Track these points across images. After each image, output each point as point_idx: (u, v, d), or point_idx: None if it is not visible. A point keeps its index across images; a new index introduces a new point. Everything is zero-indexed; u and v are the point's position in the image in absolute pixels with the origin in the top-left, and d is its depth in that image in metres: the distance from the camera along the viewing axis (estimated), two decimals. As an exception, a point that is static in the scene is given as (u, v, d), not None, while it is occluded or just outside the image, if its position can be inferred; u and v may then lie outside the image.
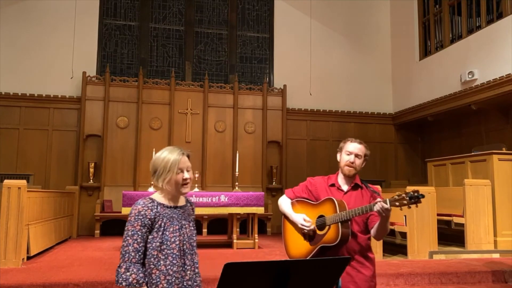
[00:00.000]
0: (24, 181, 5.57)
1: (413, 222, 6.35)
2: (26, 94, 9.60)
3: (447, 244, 6.95)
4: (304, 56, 10.99)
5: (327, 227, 2.53)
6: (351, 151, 2.65)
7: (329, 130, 11.09)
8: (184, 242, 2.06)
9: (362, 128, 11.29)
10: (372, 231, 2.57)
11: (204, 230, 9.33)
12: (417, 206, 2.35)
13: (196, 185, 7.77)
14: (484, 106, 8.67)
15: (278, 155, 10.63)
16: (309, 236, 2.61)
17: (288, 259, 2.64)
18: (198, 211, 7.01)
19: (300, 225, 2.61)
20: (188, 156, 2.15)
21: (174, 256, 2.00)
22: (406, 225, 6.39)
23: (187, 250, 2.07)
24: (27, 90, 9.61)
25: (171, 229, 2.03)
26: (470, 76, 8.56)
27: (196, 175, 7.76)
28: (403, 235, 6.97)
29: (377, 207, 2.36)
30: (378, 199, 2.43)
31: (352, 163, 2.64)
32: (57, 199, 7.57)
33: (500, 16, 8.24)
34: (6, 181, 5.52)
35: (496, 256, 6.44)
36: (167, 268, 1.98)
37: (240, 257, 6.34)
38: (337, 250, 2.52)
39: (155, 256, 1.98)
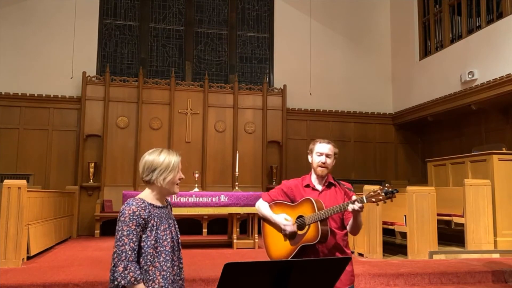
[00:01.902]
0: (24, 181, 5.57)
1: (413, 222, 6.35)
2: (26, 94, 9.60)
3: (447, 244, 6.95)
4: (304, 56, 10.98)
5: (307, 227, 2.60)
6: (321, 152, 2.73)
7: (329, 130, 11.09)
8: (173, 239, 2.19)
9: (362, 128, 11.30)
10: (348, 227, 2.67)
11: (204, 230, 9.33)
12: (392, 201, 2.46)
13: (196, 185, 7.76)
14: (484, 106, 8.67)
15: (278, 155, 10.63)
16: (290, 236, 2.67)
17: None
18: (198, 211, 7.03)
19: (282, 226, 2.67)
20: None
21: (166, 253, 2.12)
22: (406, 225, 6.39)
23: (175, 247, 2.20)
24: (27, 90, 9.61)
25: (162, 228, 2.15)
26: (470, 76, 8.56)
27: (196, 175, 7.77)
28: (403, 235, 6.98)
29: (354, 206, 2.44)
30: (354, 197, 2.51)
31: (324, 163, 2.71)
32: (57, 199, 7.57)
33: (500, 16, 8.24)
34: (6, 181, 5.52)
35: (496, 256, 6.44)
36: (161, 264, 2.09)
37: (240, 257, 6.34)
38: (317, 248, 2.60)
39: (151, 254, 2.07)
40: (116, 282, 1.99)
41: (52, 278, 4.59)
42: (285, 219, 2.66)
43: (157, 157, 2.19)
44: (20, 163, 9.40)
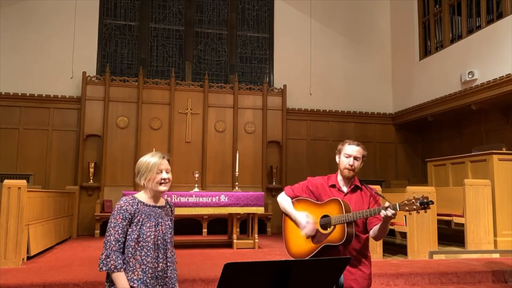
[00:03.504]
0: (24, 181, 5.57)
1: (413, 222, 6.35)
2: (26, 94, 9.60)
3: (447, 244, 6.95)
4: (304, 56, 10.98)
5: (332, 227, 2.56)
6: (350, 154, 2.69)
7: (329, 130, 11.09)
8: (159, 237, 2.33)
9: (362, 128, 11.29)
10: (372, 232, 2.63)
11: (204, 230, 9.32)
12: (425, 212, 2.41)
13: (196, 185, 7.76)
14: (484, 106, 8.67)
15: (278, 155, 10.63)
16: (312, 236, 2.63)
17: (290, 257, 2.67)
18: (198, 211, 7.02)
19: (302, 226, 2.63)
20: (168, 160, 2.43)
21: (148, 248, 2.28)
22: (406, 225, 6.40)
23: (160, 245, 2.33)
24: (27, 90, 9.61)
25: (148, 225, 2.31)
26: (470, 76, 8.56)
27: (196, 175, 7.77)
28: (403, 235, 6.98)
29: (388, 213, 2.41)
30: (387, 204, 2.46)
31: (352, 165, 2.67)
32: (57, 199, 7.57)
33: (500, 16, 8.24)
34: (6, 181, 5.52)
35: (496, 256, 6.45)
36: (142, 258, 2.26)
37: (240, 257, 6.34)
38: (338, 250, 2.57)
39: (132, 247, 2.25)
40: (99, 268, 2.21)
41: (52, 278, 4.59)
42: (307, 219, 2.60)
43: (142, 160, 2.40)
44: (20, 163, 9.40)
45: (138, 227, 2.28)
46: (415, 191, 6.47)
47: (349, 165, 2.66)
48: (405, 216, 6.38)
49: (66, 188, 9.01)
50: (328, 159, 10.72)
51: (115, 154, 9.67)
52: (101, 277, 4.64)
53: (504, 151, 7.10)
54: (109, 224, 2.28)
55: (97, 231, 8.88)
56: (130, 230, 2.27)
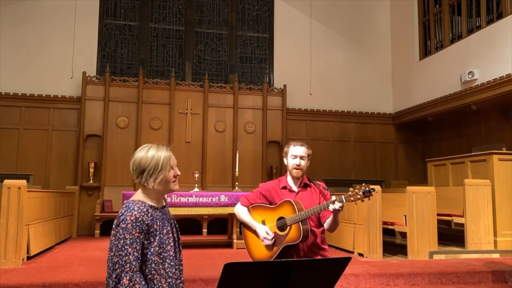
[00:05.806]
0: (24, 181, 5.57)
1: (413, 222, 6.35)
2: (26, 94, 9.60)
3: (447, 244, 6.95)
4: (304, 56, 10.98)
5: (288, 228, 2.67)
6: (296, 155, 2.81)
7: (329, 130, 11.09)
8: (175, 242, 2.05)
9: (362, 128, 11.29)
10: (326, 225, 2.77)
11: (204, 230, 9.32)
12: (369, 199, 2.56)
13: (196, 185, 7.76)
14: (484, 106, 8.67)
15: (278, 155, 10.62)
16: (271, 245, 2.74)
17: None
18: (198, 211, 7.03)
19: (261, 238, 2.73)
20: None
21: (171, 258, 1.97)
22: (406, 225, 6.39)
23: (176, 250, 2.05)
24: (27, 90, 9.61)
25: (165, 231, 1.98)
26: (470, 76, 8.56)
27: (196, 175, 7.77)
28: (403, 235, 6.98)
29: (335, 206, 2.53)
30: (334, 197, 2.59)
31: (299, 165, 2.80)
32: (57, 199, 7.57)
33: (500, 16, 8.24)
34: (6, 181, 5.52)
35: (496, 256, 6.44)
36: (167, 271, 1.94)
37: (240, 257, 6.34)
38: (297, 247, 2.67)
39: (155, 262, 1.91)
40: None
41: (52, 278, 4.59)
42: (266, 233, 2.71)
43: (145, 156, 1.97)
44: (20, 163, 9.40)
45: (157, 237, 1.93)
46: (415, 191, 6.49)
47: (296, 165, 2.78)
48: (405, 216, 6.38)
49: (66, 188, 9.01)
50: (328, 159, 10.74)
51: (115, 154, 9.67)
52: (101, 277, 4.63)
53: (504, 151, 7.09)
54: (123, 241, 1.84)
55: (97, 231, 8.87)
56: (146, 242, 1.90)
